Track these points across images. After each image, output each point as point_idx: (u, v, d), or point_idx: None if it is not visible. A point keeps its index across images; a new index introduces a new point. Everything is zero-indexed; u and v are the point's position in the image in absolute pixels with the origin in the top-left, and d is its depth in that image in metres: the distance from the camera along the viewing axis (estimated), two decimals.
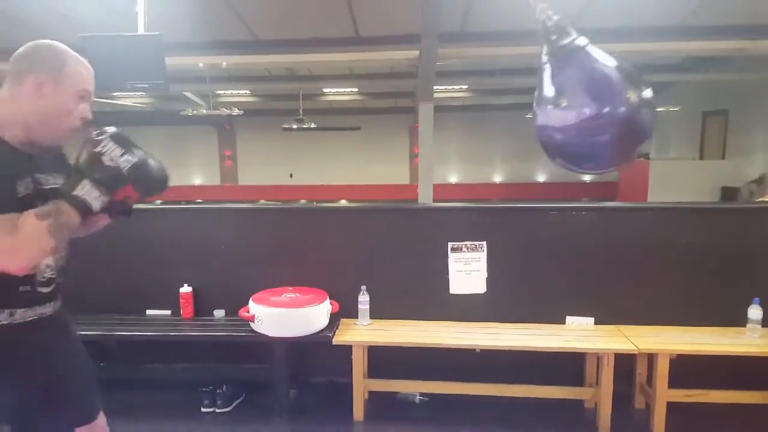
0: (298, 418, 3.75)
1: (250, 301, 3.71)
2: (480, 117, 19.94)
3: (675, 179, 12.34)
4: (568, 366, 3.74)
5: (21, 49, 1.71)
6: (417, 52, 7.56)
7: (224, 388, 3.82)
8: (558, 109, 1.67)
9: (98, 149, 1.62)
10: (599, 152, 1.65)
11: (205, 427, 3.64)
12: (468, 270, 3.92)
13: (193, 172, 21.91)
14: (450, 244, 3.89)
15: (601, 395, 3.47)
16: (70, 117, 1.70)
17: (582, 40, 1.73)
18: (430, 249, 3.93)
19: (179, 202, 7.56)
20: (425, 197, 8.10)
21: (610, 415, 3.47)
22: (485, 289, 3.90)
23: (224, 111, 14.95)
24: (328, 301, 3.76)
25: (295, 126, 18.53)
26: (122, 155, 1.63)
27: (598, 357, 3.50)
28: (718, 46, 8.52)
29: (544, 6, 1.84)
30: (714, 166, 13.02)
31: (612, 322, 3.82)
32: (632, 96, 1.61)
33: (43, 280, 1.78)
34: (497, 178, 21.64)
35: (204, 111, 15.10)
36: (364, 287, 3.87)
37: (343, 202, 12.49)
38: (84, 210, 1.60)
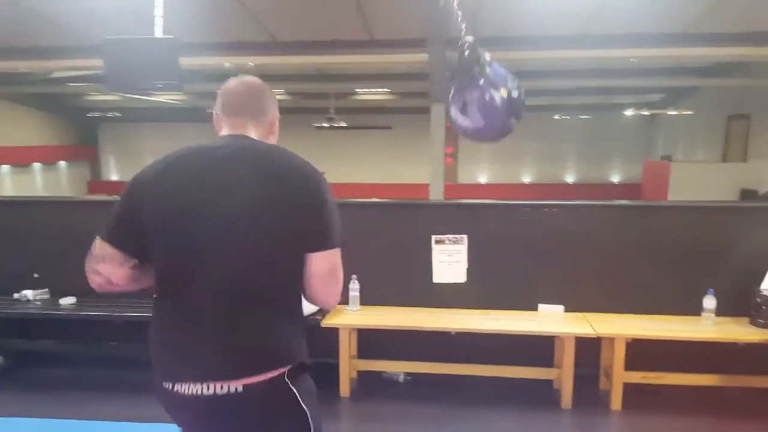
0: None
1: None
2: None
3: (696, 181, 12.40)
4: (540, 350, 4.03)
5: (245, 87, 1.62)
6: (426, 56, 7.88)
7: None
8: (462, 117, 2.63)
9: None
10: (483, 139, 2.81)
11: None
12: (450, 261, 4.24)
13: None
14: (434, 237, 4.22)
15: (563, 375, 3.77)
16: None
17: (485, 59, 2.40)
18: (417, 241, 4.25)
19: None
20: (436, 195, 8.40)
21: (571, 394, 3.77)
22: (466, 279, 4.22)
23: None
24: None
25: (326, 125, 18.97)
26: None
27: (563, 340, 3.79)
28: (720, 52, 8.67)
29: (463, 27, 2.46)
30: (735, 168, 13.04)
31: (581, 310, 4.09)
32: (511, 116, 2.60)
33: None
34: (526, 179, 21.77)
35: None
36: (354, 276, 4.21)
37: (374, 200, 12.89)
38: None
